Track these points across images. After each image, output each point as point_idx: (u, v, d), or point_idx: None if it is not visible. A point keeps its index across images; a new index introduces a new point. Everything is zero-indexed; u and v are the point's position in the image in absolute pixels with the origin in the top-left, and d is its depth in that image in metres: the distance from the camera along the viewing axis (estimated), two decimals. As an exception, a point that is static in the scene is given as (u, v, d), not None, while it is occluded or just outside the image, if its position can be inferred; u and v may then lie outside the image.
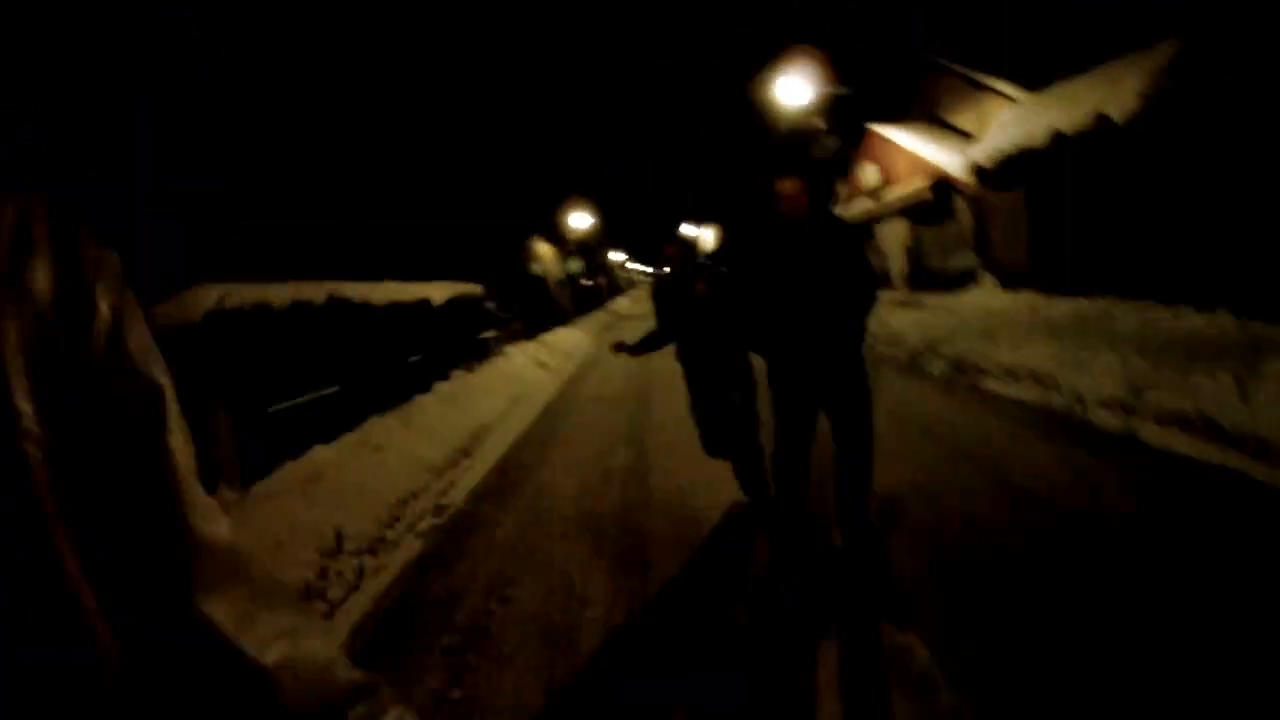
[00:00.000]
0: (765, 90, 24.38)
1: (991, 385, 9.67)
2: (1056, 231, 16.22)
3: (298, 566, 5.70)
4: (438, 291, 17.23)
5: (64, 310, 0.91)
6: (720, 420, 6.06)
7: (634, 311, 41.90)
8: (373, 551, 6.43)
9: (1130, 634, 3.60)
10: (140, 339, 1.01)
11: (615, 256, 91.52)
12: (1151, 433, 6.61)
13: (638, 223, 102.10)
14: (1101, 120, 13.14)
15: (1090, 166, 14.40)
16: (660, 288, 7.12)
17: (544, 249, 34.76)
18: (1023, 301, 15.67)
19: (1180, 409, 6.57)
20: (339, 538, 6.31)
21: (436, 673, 4.35)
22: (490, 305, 21.91)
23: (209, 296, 8.91)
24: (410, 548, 6.70)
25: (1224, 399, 6.39)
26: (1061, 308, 13.78)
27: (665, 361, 6.91)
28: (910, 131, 23.40)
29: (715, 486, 6.71)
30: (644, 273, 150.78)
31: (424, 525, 7.23)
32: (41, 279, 0.90)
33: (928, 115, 23.76)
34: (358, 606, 5.53)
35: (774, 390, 5.30)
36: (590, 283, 49.22)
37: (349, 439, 9.55)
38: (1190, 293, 11.10)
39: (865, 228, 26.11)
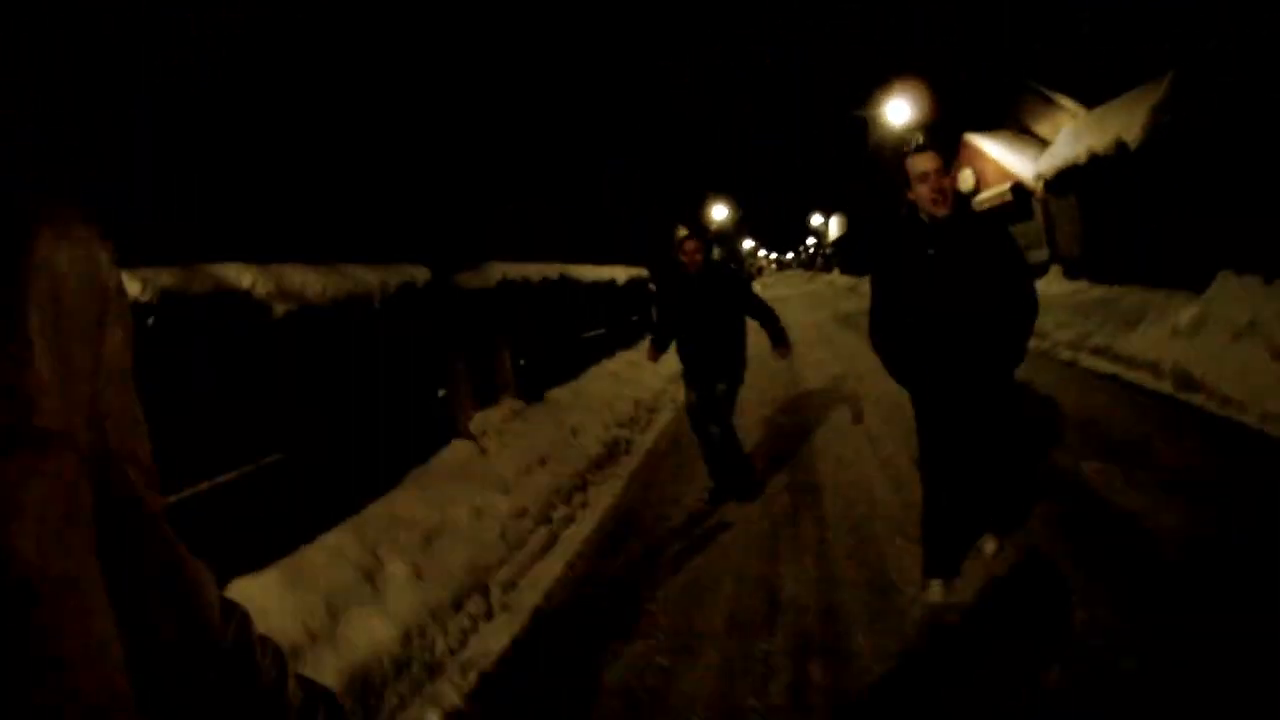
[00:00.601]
0: (876, 110, 29.00)
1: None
2: (1100, 231, 20.57)
3: (623, 412, 11.29)
4: (620, 273, 22.20)
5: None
6: (700, 412, 7.18)
7: (765, 295, 46.63)
8: (651, 410, 12.13)
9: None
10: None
11: (746, 245, 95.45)
12: (1085, 359, 11.59)
13: (767, 212, 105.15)
14: (1121, 145, 17.46)
15: (1118, 179, 18.64)
16: (686, 281, 7.19)
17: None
18: (1072, 288, 20.16)
19: (1099, 345, 11.59)
20: (637, 403, 11.82)
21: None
22: (651, 286, 26.60)
23: (497, 271, 12.83)
24: (668, 412, 12.38)
25: (1125, 337, 11.31)
26: (1094, 293, 18.42)
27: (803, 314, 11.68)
28: (998, 141, 27.14)
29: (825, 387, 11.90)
30: (771, 259, 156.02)
31: (670, 407, 12.82)
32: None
33: (1015, 125, 27.36)
34: (656, 427, 11.30)
35: (920, 413, 4.94)
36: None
37: (619, 358, 15.22)
38: (1182, 278, 14.40)
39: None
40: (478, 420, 10.25)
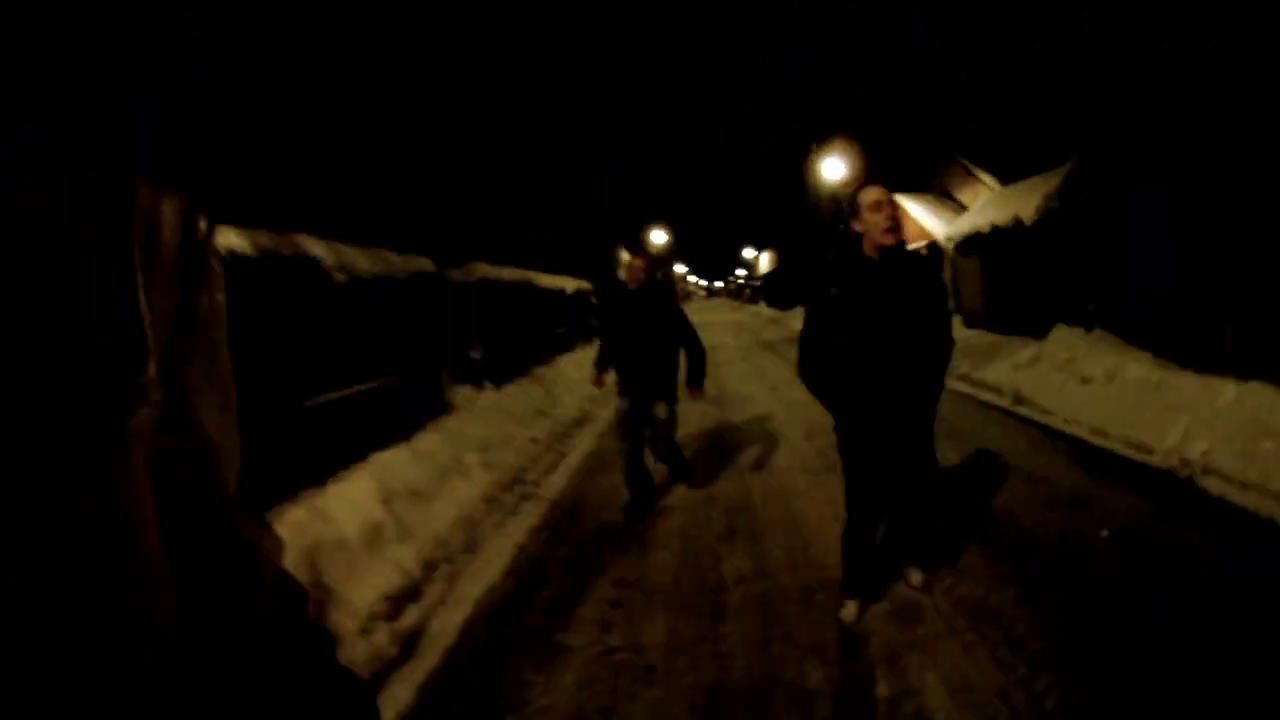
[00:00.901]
0: (814, 165, 32.22)
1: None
2: (996, 289, 23.80)
3: (588, 390, 13.64)
4: (569, 283, 24.60)
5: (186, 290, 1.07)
6: (629, 420, 7.53)
7: (695, 321, 49.28)
8: (609, 394, 14.32)
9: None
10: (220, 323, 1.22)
11: (679, 269, 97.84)
12: (959, 386, 14.53)
13: (702, 240, 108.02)
14: (1018, 220, 20.53)
15: (1012, 248, 21.83)
16: (628, 297, 7.47)
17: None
18: (967, 334, 23.08)
19: (963, 374, 14.67)
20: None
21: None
22: (593, 299, 28.65)
23: (479, 269, 15.27)
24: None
25: (982, 369, 14.38)
26: (985, 340, 21.48)
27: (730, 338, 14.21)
28: (921, 202, 30.09)
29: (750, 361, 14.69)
30: (700, 285, 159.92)
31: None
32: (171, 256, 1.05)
33: (939, 189, 30.59)
34: (612, 405, 13.20)
35: (845, 445, 4.92)
36: (662, 289, 55.70)
37: (578, 352, 17.81)
38: (1041, 329, 16.89)
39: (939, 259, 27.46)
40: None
